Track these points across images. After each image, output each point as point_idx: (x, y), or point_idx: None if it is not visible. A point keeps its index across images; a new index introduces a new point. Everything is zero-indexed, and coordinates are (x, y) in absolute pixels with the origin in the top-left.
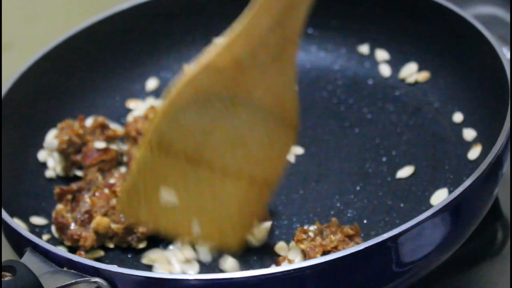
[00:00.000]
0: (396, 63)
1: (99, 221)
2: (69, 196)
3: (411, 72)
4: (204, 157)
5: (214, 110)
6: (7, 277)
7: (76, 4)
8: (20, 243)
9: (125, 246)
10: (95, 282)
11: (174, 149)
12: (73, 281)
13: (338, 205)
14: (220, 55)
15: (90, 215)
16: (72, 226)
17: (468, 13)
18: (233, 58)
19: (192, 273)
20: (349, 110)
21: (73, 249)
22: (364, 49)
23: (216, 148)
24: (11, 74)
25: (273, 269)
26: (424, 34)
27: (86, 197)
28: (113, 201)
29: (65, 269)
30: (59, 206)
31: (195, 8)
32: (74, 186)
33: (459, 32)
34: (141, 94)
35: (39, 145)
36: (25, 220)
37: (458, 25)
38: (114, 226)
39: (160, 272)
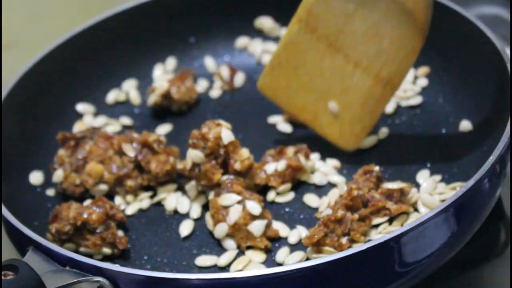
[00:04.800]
0: None
1: (93, 166)
2: (72, 143)
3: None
4: (343, 45)
5: None
6: (9, 276)
7: (78, 4)
8: (22, 242)
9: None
10: (98, 281)
11: (319, 31)
12: (75, 280)
13: None
14: None
15: (85, 161)
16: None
17: (471, 13)
18: None
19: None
20: None
21: (76, 249)
22: None
23: (354, 38)
24: (13, 74)
25: (274, 269)
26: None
27: (87, 146)
28: (110, 152)
29: (67, 268)
30: (61, 151)
31: (195, 8)
32: (78, 134)
33: (462, 32)
34: (143, 92)
35: (40, 145)
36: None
37: (461, 25)
38: (106, 175)
39: (161, 272)
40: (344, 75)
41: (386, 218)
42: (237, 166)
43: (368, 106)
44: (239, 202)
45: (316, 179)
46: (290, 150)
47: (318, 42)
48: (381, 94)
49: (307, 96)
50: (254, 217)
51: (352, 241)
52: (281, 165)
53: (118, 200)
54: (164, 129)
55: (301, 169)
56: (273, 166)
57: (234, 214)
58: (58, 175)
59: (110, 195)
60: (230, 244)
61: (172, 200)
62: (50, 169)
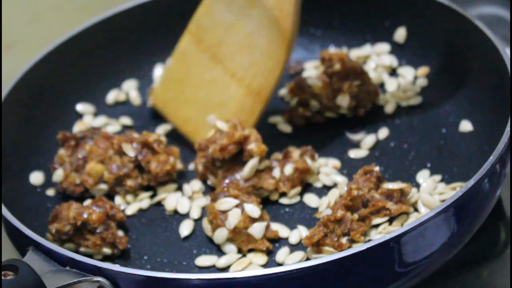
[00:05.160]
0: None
1: (93, 166)
2: (72, 142)
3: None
4: (223, 56)
5: (238, 6)
6: (10, 276)
7: (78, 4)
8: (22, 242)
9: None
10: (98, 281)
11: (204, 43)
12: (76, 280)
13: None
14: None
15: (85, 161)
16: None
17: (471, 13)
18: None
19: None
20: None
21: (76, 249)
22: (367, 48)
23: (232, 49)
24: (13, 74)
25: (274, 269)
26: (427, 34)
27: (87, 146)
28: (111, 152)
29: (67, 268)
30: (61, 151)
31: (195, 8)
32: (78, 134)
33: (462, 32)
34: (143, 92)
35: (40, 145)
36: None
37: (461, 25)
38: (106, 175)
39: (161, 272)
40: (223, 87)
41: (386, 218)
42: (253, 147)
43: (241, 115)
44: (237, 206)
45: (323, 180)
46: (296, 153)
47: (203, 54)
48: (252, 106)
49: (190, 108)
50: (253, 220)
51: (352, 241)
52: (288, 169)
53: (118, 200)
54: (164, 129)
55: (309, 171)
56: (280, 171)
57: (233, 218)
58: (58, 174)
59: (110, 195)
60: (230, 248)
61: (172, 200)
62: (50, 169)
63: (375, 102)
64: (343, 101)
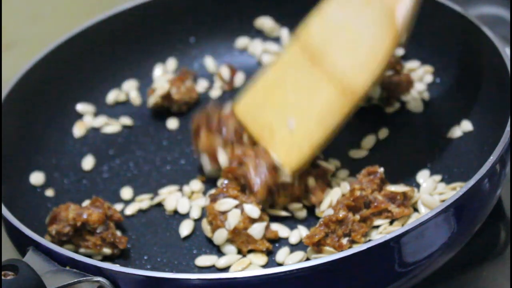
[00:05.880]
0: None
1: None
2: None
3: (413, 68)
4: (324, 59)
5: (353, 5)
6: (9, 276)
7: (78, 4)
8: (22, 242)
9: None
10: (98, 281)
11: (310, 48)
12: (76, 280)
13: None
14: None
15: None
16: None
17: (471, 13)
18: None
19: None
20: None
21: (75, 251)
22: None
23: (336, 51)
24: (13, 74)
25: (274, 269)
26: (427, 34)
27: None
28: None
29: (67, 268)
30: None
31: (195, 8)
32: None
33: (462, 32)
34: (143, 92)
35: (40, 145)
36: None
37: (461, 25)
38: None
39: (161, 272)
40: (315, 90)
41: (387, 220)
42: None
43: (324, 119)
44: (236, 206)
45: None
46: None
47: (306, 61)
48: (341, 105)
49: (273, 113)
50: (253, 220)
51: (353, 242)
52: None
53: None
54: (164, 129)
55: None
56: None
57: (233, 219)
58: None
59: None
60: (230, 249)
61: (172, 200)
62: (50, 169)
63: (408, 92)
64: (375, 92)
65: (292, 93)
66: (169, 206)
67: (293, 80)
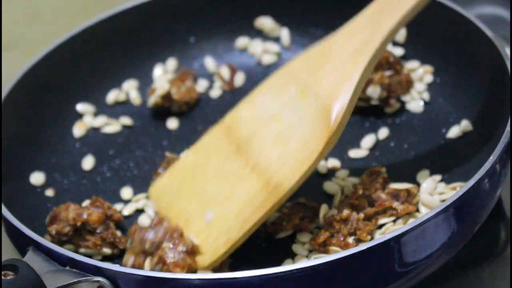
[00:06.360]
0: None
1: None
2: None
3: (413, 68)
4: (249, 148)
5: (286, 97)
6: (9, 276)
7: (78, 4)
8: (22, 242)
9: None
10: (98, 281)
11: (235, 134)
12: (76, 280)
13: None
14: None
15: None
16: None
17: (471, 13)
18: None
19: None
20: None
21: (75, 251)
22: None
23: (264, 140)
24: (13, 74)
25: (274, 269)
26: (427, 34)
27: None
28: None
29: (67, 268)
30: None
31: (195, 8)
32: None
33: (462, 32)
34: (143, 92)
35: (40, 145)
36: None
37: (461, 24)
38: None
39: (161, 272)
40: (237, 180)
41: (392, 218)
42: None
43: (243, 214)
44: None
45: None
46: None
47: (229, 146)
48: (263, 200)
49: (191, 201)
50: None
51: (359, 241)
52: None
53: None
54: (164, 129)
55: None
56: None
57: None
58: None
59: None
60: None
61: None
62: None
63: (408, 92)
64: (374, 92)
65: (212, 181)
66: None
67: (215, 167)
